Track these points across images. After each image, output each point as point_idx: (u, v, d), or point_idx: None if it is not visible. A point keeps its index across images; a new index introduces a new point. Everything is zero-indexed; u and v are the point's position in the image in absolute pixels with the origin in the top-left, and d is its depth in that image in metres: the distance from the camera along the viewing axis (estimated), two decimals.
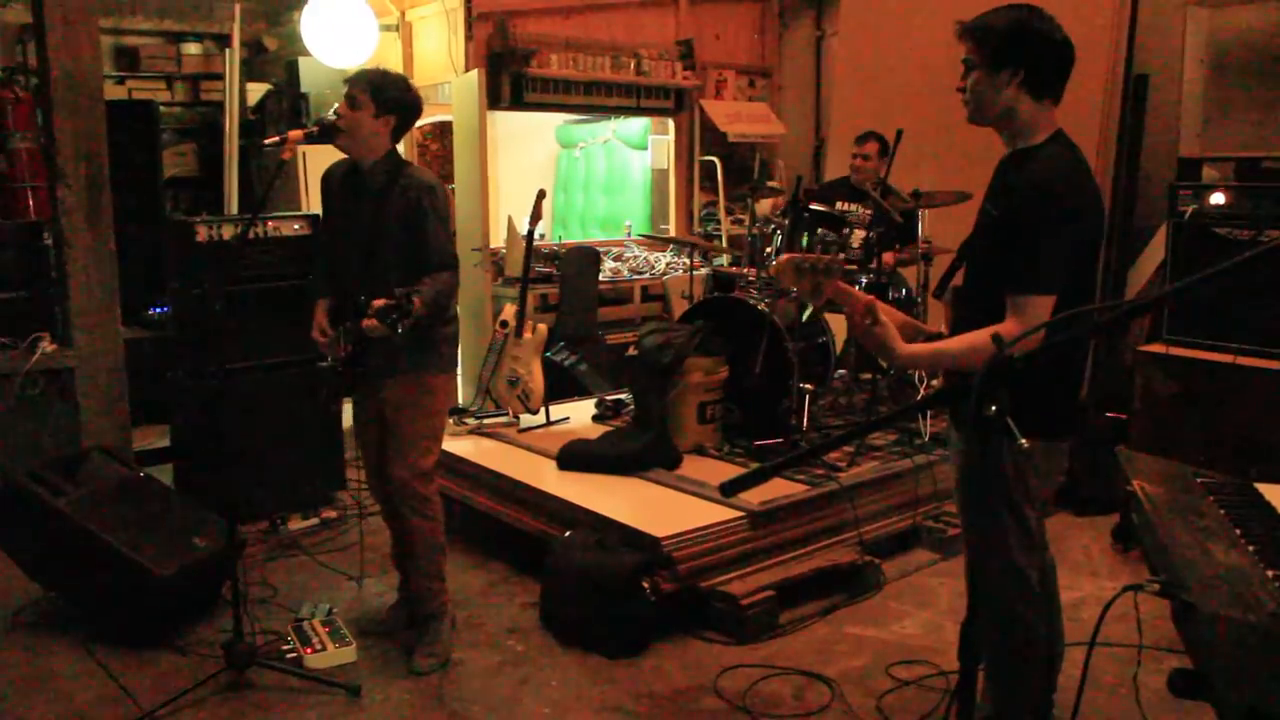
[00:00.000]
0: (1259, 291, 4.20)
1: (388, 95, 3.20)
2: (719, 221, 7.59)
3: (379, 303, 3.01)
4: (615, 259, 7.02)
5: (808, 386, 4.56)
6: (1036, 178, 2.27)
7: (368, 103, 3.18)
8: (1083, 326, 2.18)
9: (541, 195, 5.00)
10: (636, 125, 7.89)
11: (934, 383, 4.97)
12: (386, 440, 3.35)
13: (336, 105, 3.26)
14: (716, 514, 3.71)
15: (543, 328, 4.94)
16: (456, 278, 3.27)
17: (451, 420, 4.81)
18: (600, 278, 6.42)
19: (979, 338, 2.25)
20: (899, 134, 4.72)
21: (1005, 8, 2.35)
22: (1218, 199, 4.55)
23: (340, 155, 3.34)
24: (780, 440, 4.41)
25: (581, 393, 5.52)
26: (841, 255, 4.61)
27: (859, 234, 4.97)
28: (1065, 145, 2.35)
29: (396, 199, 3.20)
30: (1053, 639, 2.67)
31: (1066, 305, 2.24)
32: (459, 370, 5.24)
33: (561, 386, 5.37)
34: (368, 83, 3.19)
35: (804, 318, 4.70)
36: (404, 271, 3.17)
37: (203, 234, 4.37)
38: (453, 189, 6.16)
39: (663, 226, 7.84)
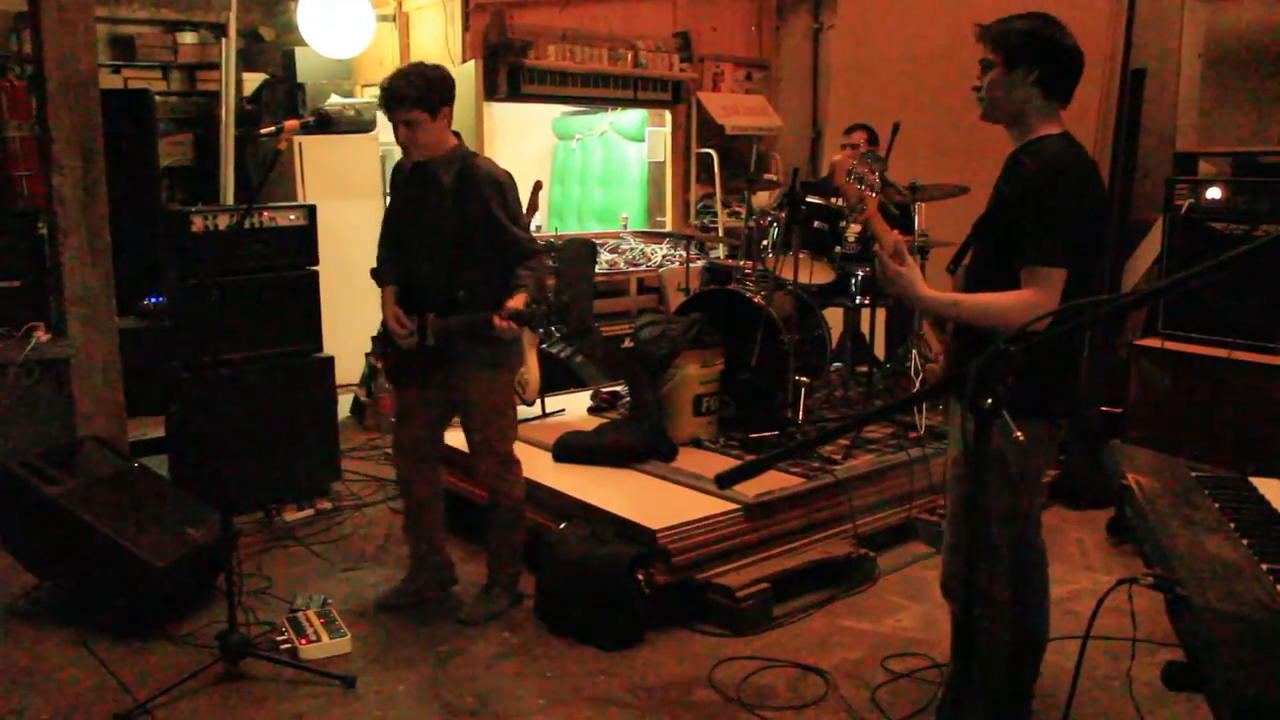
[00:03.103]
0: (1254, 286, 4.21)
1: (432, 94, 3.22)
2: (715, 214, 7.58)
3: (515, 304, 3.14)
4: (612, 251, 7.02)
5: (803, 380, 4.57)
6: (1051, 157, 2.41)
7: (422, 114, 3.21)
8: (1076, 321, 2.19)
9: (538, 187, 4.99)
10: (633, 117, 7.88)
11: (928, 376, 4.97)
12: (466, 431, 3.53)
13: (400, 139, 3.26)
14: (712, 506, 3.71)
15: None
16: (543, 261, 3.40)
17: None
18: (597, 270, 6.41)
19: (999, 297, 2.38)
20: (896, 127, 4.71)
21: (1021, 15, 2.50)
22: (1214, 194, 4.55)
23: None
24: (776, 433, 4.42)
25: (577, 384, 5.51)
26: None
27: (855, 228, 4.96)
28: (1075, 142, 2.49)
29: (470, 196, 3.27)
30: (1038, 628, 2.69)
31: (1069, 295, 2.33)
32: None
33: (557, 378, 5.36)
34: (413, 101, 3.19)
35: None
36: (486, 264, 3.29)
37: (199, 224, 4.36)
38: None
39: (659, 219, 7.83)
